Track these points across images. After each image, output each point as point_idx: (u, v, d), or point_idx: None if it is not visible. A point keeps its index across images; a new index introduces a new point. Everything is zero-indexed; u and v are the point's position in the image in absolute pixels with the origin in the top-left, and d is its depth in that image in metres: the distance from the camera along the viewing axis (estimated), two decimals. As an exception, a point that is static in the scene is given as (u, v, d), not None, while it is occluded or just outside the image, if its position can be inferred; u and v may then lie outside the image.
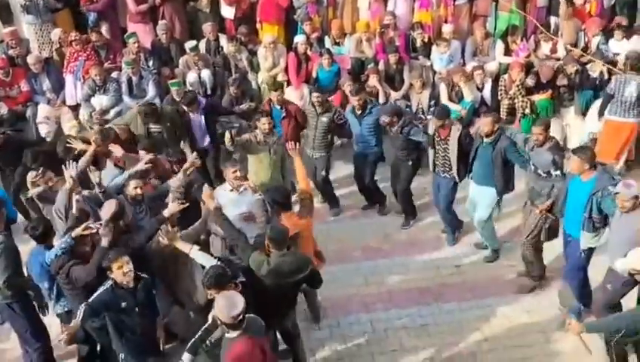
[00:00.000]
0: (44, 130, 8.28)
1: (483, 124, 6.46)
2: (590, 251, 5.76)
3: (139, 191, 5.74)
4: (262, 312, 4.43)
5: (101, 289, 4.62)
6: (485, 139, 6.42)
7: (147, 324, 4.84)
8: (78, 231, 4.98)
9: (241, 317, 4.01)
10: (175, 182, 5.96)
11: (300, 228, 5.38)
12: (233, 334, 4.08)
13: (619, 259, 4.92)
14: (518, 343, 5.84)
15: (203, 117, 7.75)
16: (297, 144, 6.45)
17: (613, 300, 5.31)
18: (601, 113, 8.16)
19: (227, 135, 6.60)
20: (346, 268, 6.81)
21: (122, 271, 4.55)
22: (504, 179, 6.49)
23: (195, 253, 4.94)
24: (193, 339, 4.40)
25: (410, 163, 7.28)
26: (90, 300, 4.55)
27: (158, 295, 5.18)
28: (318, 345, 5.89)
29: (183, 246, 4.98)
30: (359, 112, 7.38)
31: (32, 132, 8.47)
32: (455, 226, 7.28)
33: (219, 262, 4.69)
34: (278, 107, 7.64)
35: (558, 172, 5.99)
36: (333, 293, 6.37)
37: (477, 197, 6.77)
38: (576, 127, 8.86)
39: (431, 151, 6.95)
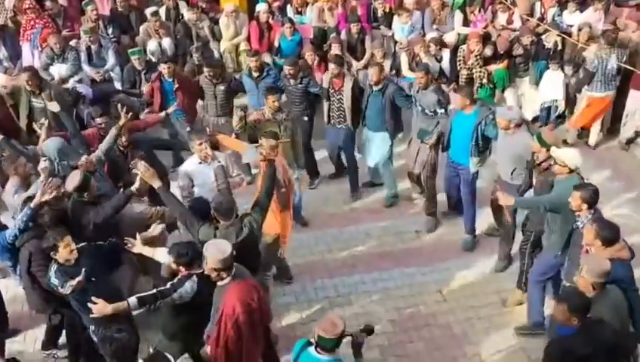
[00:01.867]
0: (1, 99, 8.02)
1: (371, 74, 6.99)
2: (476, 174, 6.54)
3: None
4: None
5: (51, 274, 4.47)
6: (375, 88, 6.96)
7: (106, 290, 4.52)
8: (37, 200, 4.87)
9: (230, 260, 4.14)
10: (104, 144, 5.89)
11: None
12: (226, 280, 4.19)
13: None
14: (474, 303, 6.04)
15: (89, 108, 7.21)
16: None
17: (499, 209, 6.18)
18: (578, 90, 8.31)
19: (235, 116, 6.38)
20: (310, 235, 6.90)
21: (69, 249, 4.47)
22: (394, 122, 7.11)
23: (159, 255, 4.78)
24: (153, 292, 4.37)
25: (306, 118, 7.51)
26: (55, 282, 4.45)
27: (125, 266, 5.15)
28: (284, 310, 5.97)
29: (147, 251, 4.80)
30: (256, 75, 7.41)
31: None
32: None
33: (158, 302, 4.40)
34: (170, 79, 7.48)
35: (443, 110, 6.71)
36: (298, 260, 6.47)
37: (371, 143, 7.26)
38: (530, 96, 9.05)
39: (326, 104, 7.32)
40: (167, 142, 7.56)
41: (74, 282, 4.33)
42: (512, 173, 6.04)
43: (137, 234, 4.90)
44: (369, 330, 4.05)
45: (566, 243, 5.11)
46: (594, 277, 4.07)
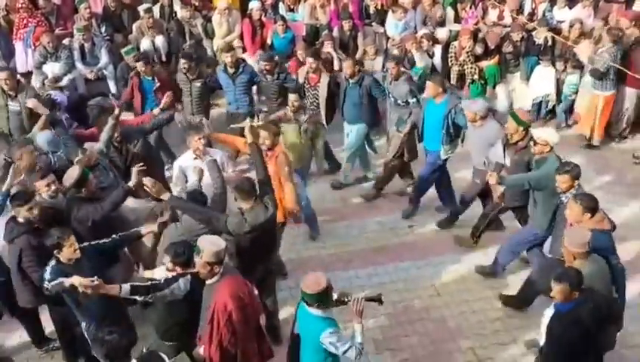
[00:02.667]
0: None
1: (345, 67, 7.20)
2: (446, 161, 6.76)
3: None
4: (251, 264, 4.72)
5: (47, 269, 4.43)
6: (351, 81, 7.14)
7: (113, 316, 4.55)
8: (6, 186, 4.99)
9: (223, 254, 4.14)
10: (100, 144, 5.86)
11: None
12: (216, 277, 4.14)
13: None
14: (468, 297, 6.05)
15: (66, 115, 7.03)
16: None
17: (475, 189, 6.54)
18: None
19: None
20: (305, 231, 6.89)
21: (73, 248, 4.43)
22: (372, 113, 7.35)
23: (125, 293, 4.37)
24: (146, 284, 4.36)
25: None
26: (47, 277, 4.39)
27: (120, 263, 5.13)
28: (279, 305, 5.95)
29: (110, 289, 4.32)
30: (232, 71, 7.39)
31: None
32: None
33: (150, 294, 4.36)
34: (149, 78, 7.44)
35: (414, 99, 6.93)
36: (292, 255, 6.46)
37: (351, 135, 7.45)
38: (521, 91, 9.09)
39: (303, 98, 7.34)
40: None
41: (66, 282, 4.24)
42: (484, 162, 6.17)
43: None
44: (374, 299, 4.11)
45: (551, 218, 5.32)
46: (575, 247, 4.24)
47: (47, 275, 4.41)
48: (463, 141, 6.73)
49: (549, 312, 4.32)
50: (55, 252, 4.44)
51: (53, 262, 4.47)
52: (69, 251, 4.42)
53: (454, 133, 6.56)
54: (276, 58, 7.96)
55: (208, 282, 4.19)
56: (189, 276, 4.36)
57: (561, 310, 4.12)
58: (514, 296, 5.81)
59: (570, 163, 5.14)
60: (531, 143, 5.54)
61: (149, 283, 4.34)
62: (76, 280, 4.12)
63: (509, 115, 5.92)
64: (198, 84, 7.41)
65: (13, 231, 4.83)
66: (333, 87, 7.52)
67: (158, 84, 7.40)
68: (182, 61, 7.44)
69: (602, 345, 4.26)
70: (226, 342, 4.16)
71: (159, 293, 4.28)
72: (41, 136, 5.96)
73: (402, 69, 7.27)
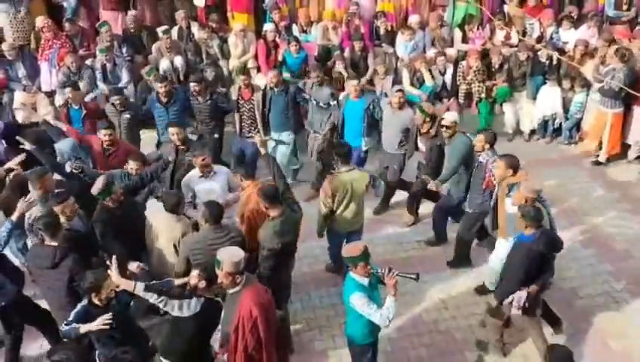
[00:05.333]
0: (20, 115, 8.08)
1: (270, 77, 7.49)
2: (366, 153, 7.43)
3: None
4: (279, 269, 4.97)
5: (78, 308, 4.35)
6: (276, 90, 7.45)
7: (128, 340, 4.48)
8: (16, 214, 5.02)
9: (243, 264, 4.18)
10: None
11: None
12: (238, 286, 4.18)
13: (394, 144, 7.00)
14: (475, 310, 6.01)
15: (4, 141, 7.01)
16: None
17: (396, 176, 7.26)
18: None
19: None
20: (314, 245, 6.85)
21: (110, 287, 4.37)
22: (297, 120, 7.76)
23: (139, 290, 4.46)
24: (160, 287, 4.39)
25: (216, 136, 7.58)
26: (70, 318, 4.32)
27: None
28: (290, 316, 5.92)
29: (125, 284, 4.42)
30: (165, 100, 7.28)
31: (8, 118, 8.26)
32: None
33: (162, 297, 4.39)
34: (76, 107, 7.34)
35: (335, 102, 7.48)
36: (304, 268, 6.45)
37: (278, 145, 7.71)
38: (527, 109, 9.08)
39: (236, 115, 7.60)
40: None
41: (82, 329, 4.18)
42: (399, 145, 7.03)
43: (112, 263, 4.44)
44: (410, 276, 4.37)
45: (467, 184, 6.17)
46: (529, 193, 5.13)
47: (72, 314, 4.31)
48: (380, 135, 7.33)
49: (493, 256, 5.78)
50: (92, 295, 4.32)
51: (84, 302, 4.36)
52: (107, 292, 4.32)
53: (373, 125, 7.21)
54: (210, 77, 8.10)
55: (230, 291, 4.23)
56: (202, 299, 4.39)
57: (523, 241, 4.91)
58: (455, 259, 6.52)
59: (489, 129, 6.45)
60: (442, 129, 6.24)
61: (162, 287, 4.37)
62: (92, 326, 4.15)
63: (417, 109, 6.84)
64: (127, 115, 7.28)
65: (57, 253, 4.71)
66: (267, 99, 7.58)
67: (84, 112, 7.30)
68: (114, 97, 7.25)
69: (548, 273, 5.10)
70: (250, 347, 4.21)
71: (170, 301, 4.30)
72: (66, 143, 6.00)
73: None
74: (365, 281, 4.32)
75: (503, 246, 5.58)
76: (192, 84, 7.43)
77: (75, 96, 7.35)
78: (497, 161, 5.61)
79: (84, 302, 4.37)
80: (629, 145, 8.48)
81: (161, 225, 5.32)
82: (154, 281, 4.56)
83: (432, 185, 6.24)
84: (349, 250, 4.35)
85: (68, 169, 5.84)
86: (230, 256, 4.16)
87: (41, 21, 8.87)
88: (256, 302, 4.15)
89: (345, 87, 8.58)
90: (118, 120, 7.32)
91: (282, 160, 7.60)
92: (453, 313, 6.01)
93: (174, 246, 5.29)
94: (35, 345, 5.63)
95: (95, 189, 5.21)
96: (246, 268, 4.29)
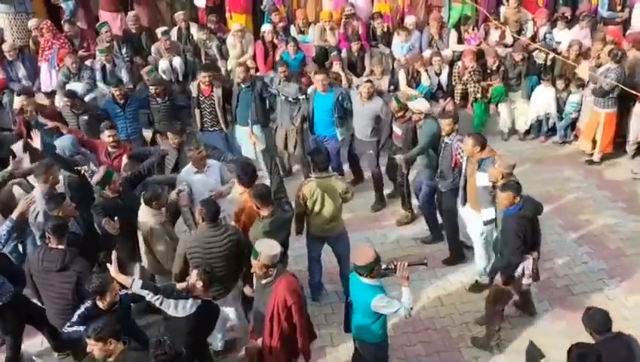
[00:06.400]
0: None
1: (237, 73, 7.64)
2: (342, 142, 7.62)
3: None
4: None
5: (82, 309, 4.37)
6: (243, 85, 7.59)
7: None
8: (16, 212, 5.02)
9: (279, 257, 4.33)
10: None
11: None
12: (270, 278, 4.33)
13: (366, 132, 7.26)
14: (471, 308, 6.04)
15: None
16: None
17: (375, 161, 7.44)
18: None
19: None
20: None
21: (114, 292, 4.40)
22: (264, 115, 7.84)
23: (136, 286, 4.44)
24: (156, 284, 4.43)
25: None
26: (73, 320, 4.34)
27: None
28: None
29: (122, 279, 4.48)
30: (122, 102, 7.43)
31: (8, 118, 8.28)
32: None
33: (158, 295, 4.38)
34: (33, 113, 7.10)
35: (304, 96, 7.57)
36: (300, 267, 6.44)
37: (244, 138, 7.86)
38: (522, 109, 9.11)
39: (197, 111, 7.68)
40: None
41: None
42: (371, 133, 7.24)
43: (112, 256, 4.55)
44: (419, 263, 4.52)
45: (436, 166, 6.42)
46: (505, 168, 5.39)
47: (75, 316, 4.32)
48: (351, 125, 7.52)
49: (472, 235, 6.14)
50: (97, 298, 4.34)
51: (88, 304, 4.37)
52: (111, 296, 4.35)
53: (344, 116, 7.42)
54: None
55: (263, 281, 4.38)
56: (200, 301, 4.40)
57: (512, 213, 5.09)
58: (450, 257, 6.65)
59: (454, 113, 6.75)
60: (413, 115, 6.59)
61: (159, 285, 4.40)
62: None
63: (393, 99, 6.99)
64: (85, 117, 7.31)
65: (65, 258, 4.69)
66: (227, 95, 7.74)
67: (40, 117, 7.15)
68: (64, 99, 7.25)
69: (537, 238, 5.34)
70: (286, 333, 4.39)
71: (166, 300, 4.31)
72: (66, 139, 6.07)
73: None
74: (378, 282, 4.36)
75: (476, 220, 5.94)
76: (151, 87, 7.60)
77: (29, 103, 7.16)
78: (465, 139, 5.87)
79: (88, 304, 4.38)
80: (625, 143, 8.50)
81: (139, 218, 5.30)
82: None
83: (398, 159, 6.67)
84: (361, 259, 4.28)
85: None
86: (269, 248, 4.30)
87: (36, 22, 8.87)
88: (290, 291, 4.31)
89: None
90: (76, 122, 7.32)
91: (264, 153, 7.81)
92: (450, 310, 6.04)
93: (145, 239, 5.28)
94: (36, 341, 5.65)
95: (95, 179, 5.27)
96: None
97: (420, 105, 6.62)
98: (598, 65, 8.41)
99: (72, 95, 7.45)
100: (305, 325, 4.50)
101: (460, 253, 6.66)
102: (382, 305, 4.29)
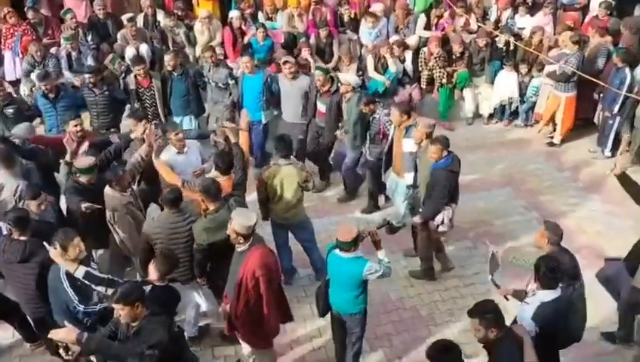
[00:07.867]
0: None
1: (167, 60, 7.51)
2: (266, 126, 7.66)
3: None
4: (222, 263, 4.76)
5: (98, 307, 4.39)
6: (174, 74, 7.46)
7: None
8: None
9: (252, 230, 4.39)
10: None
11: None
12: (244, 246, 4.42)
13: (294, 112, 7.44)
14: (438, 287, 6.19)
15: None
16: None
17: (304, 144, 7.44)
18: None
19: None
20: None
21: (78, 248, 4.34)
22: (198, 103, 7.76)
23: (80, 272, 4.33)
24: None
25: (112, 130, 7.24)
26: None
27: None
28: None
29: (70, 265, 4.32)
30: (52, 96, 6.95)
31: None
32: None
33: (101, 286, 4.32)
34: None
35: (233, 81, 7.71)
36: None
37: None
38: (486, 94, 9.25)
39: (137, 104, 7.41)
40: None
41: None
42: (301, 112, 7.38)
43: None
44: (383, 225, 4.83)
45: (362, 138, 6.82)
46: (427, 128, 5.80)
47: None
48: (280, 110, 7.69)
49: (395, 197, 6.67)
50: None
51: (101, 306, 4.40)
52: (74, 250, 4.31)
53: (270, 99, 7.50)
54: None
55: (238, 249, 4.47)
56: (150, 286, 4.32)
57: (441, 166, 5.54)
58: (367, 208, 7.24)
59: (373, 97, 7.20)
60: (341, 87, 6.81)
61: (106, 276, 4.32)
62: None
63: (317, 69, 7.26)
64: (10, 110, 6.82)
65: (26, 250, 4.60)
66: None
67: None
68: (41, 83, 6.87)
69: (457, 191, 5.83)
70: (252, 302, 4.47)
71: (110, 289, 4.21)
72: (21, 128, 6.06)
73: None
74: (360, 253, 4.53)
75: (400, 185, 6.49)
76: (86, 75, 7.16)
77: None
78: (392, 109, 6.31)
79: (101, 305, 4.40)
80: (583, 126, 8.70)
81: (105, 199, 5.27)
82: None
83: (338, 134, 7.05)
84: (347, 235, 4.41)
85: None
86: (244, 218, 4.37)
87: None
88: (261, 264, 4.38)
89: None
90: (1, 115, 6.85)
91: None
92: (419, 290, 6.17)
93: (108, 220, 5.30)
94: (7, 334, 5.58)
95: (84, 163, 5.26)
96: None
97: (350, 78, 6.93)
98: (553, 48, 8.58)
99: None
100: (271, 299, 4.53)
101: (375, 203, 7.26)
102: (374, 271, 4.50)
